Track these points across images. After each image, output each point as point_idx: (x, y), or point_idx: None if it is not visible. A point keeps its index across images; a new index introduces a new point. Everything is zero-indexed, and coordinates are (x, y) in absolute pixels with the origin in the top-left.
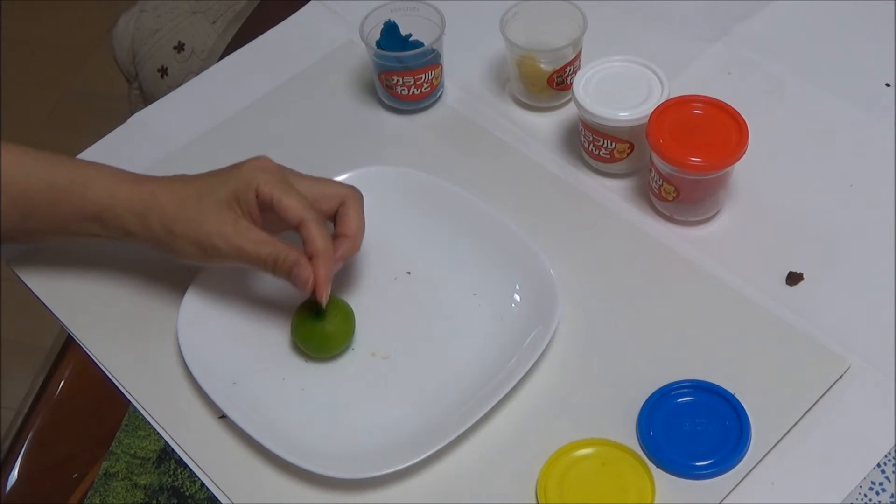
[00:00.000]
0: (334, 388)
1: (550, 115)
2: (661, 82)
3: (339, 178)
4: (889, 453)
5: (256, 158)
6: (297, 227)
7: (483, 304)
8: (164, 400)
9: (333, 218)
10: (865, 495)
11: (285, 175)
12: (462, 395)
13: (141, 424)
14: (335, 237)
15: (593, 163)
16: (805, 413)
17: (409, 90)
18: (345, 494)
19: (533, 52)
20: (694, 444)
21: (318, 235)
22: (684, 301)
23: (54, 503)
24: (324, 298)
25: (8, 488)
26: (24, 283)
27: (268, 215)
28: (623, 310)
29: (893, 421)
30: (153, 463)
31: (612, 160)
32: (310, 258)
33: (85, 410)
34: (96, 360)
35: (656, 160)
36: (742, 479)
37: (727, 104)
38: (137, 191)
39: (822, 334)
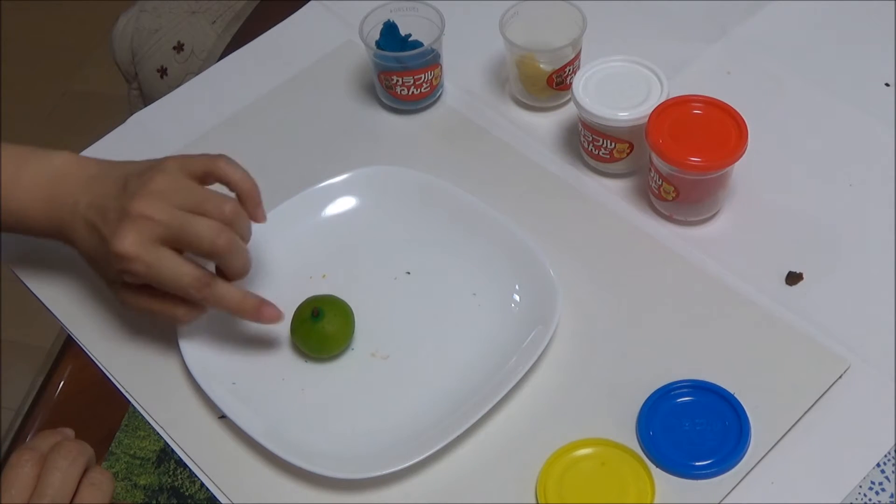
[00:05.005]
0: (334, 388)
1: (550, 115)
2: (661, 82)
3: (339, 179)
4: (889, 453)
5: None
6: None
7: (483, 304)
8: (164, 400)
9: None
10: (865, 495)
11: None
12: (462, 395)
13: (140, 425)
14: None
15: (593, 163)
16: (805, 413)
17: (408, 90)
18: (345, 494)
19: (533, 52)
20: (694, 444)
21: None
22: (684, 301)
23: None
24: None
25: None
26: (23, 283)
27: None
28: (623, 310)
29: (893, 421)
30: (153, 463)
31: (612, 160)
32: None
33: (85, 410)
34: (96, 361)
35: (656, 160)
36: (742, 479)
37: (727, 104)
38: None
39: (822, 334)
